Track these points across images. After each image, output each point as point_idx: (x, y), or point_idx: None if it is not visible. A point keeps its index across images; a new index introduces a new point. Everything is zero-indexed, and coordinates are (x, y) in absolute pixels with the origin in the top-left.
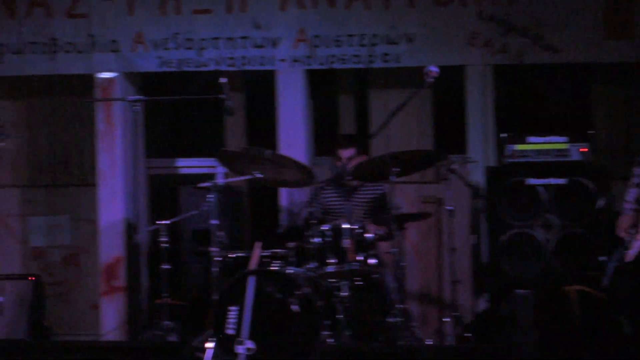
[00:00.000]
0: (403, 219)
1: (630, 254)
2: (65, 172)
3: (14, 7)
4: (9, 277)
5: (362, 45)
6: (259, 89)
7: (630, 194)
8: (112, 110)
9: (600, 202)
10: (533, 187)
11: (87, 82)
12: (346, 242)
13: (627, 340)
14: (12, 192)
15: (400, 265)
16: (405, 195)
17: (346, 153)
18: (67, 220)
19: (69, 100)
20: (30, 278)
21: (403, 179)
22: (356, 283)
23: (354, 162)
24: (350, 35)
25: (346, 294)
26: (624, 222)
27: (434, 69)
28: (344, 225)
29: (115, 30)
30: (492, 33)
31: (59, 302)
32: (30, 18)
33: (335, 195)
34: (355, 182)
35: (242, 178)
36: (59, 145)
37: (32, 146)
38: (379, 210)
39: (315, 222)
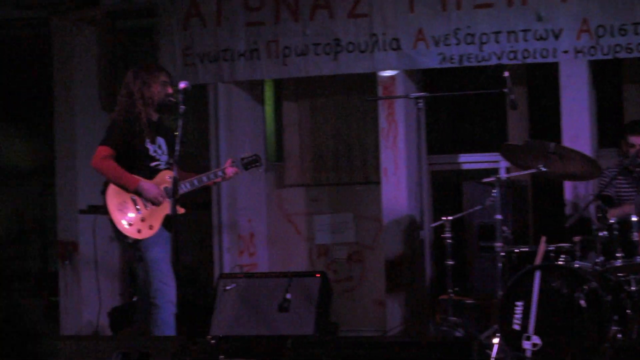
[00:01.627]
0: None
1: None
2: (349, 170)
3: (297, 10)
4: (296, 274)
5: None
6: (541, 81)
7: None
8: (394, 107)
9: None
10: None
11: (368, 80)
12: (636, 235)
13: None
14: (297, 191)
15: None
16: None
17: (638, 139)
18: (352, 218)
19: (351, 99)
20: (317, 275)
21: None
22: None
23: None
24: (636, 24)
25: (635, 288)
26: None
27: None
28: (633, 218)
29: (397, 28)
30: None
31: (344, 298)
32: (314, 20)
33: (626, 181)
34: None
35: (526, 172)
36: (342, 144)
37: (317, 145)
38: None
39: (601, 215)
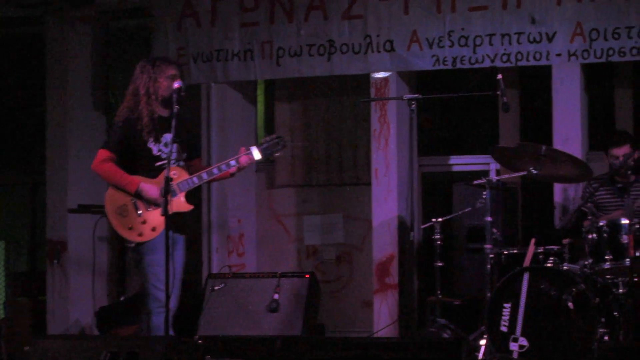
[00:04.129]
0: None
1: None
2: (339, 171)
3: (292, 11)
4: (285, 275)
5: None
6: (534, 84)
7: None
8: (386, 109)
9: None
10: None
11: (361, 82)
12: (625, 238)
13: None
14: (288, 192)
15: None
16: None
17: (620, 151)
18: (341, 218)
19: (343, 100)
20: (305, 276)
21: None
22: (634, 280)
23: (630, 159)
24: (629, 27)
25: (623, 291)
26: None
27: None
28: (623, 221)
29: (391, 30)
30: None
31: (332, 299)
32: (308, 21)
33: (609, 192)
34: (632, 178)
35: (517, 174)
36: (334, 145)
37: (308, 146)
38: None
39: (590, 218)
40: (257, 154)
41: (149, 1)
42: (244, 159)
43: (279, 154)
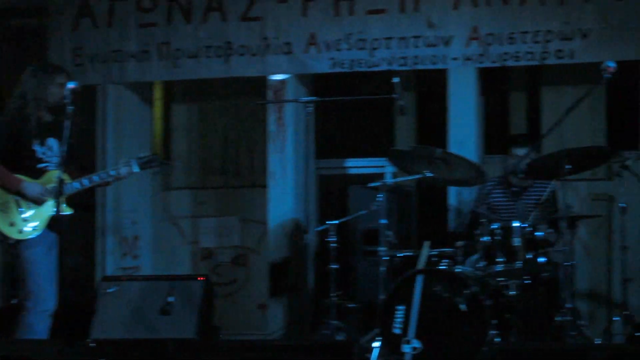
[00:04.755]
0: (573, 219)
1: None
2: (236, 174)
3: (190, 13)
4: (179, 278)
5: (536, 42)
6: (431, 87)
7: None
8: (283, 111)
9: None
10: None
11: (258, 84)
12: (517, 241)
13: None
14: (184, 194)
15: (570, 264)
16: (575, 193)
17: (520, 151)
18: (237, 221)
19: (241, 102)
20: (199, 278)
21: (574, 176)
22: (525, 282)
23: (526, 161)
24: (524, 32)
25: (515, 292)
26: None
27: (611, 65)
28: (515, 224)
29: (289, 33)
30: None
31: (227, 302)
32: (206, 23)
33: (504, 194)
34: (527, 182)
35: (412, 177)
36: (230, 147)
37: (205, 148)
38: (550, 208)
39: (484, 221)
40: (135, 167)
41: (45, 1)
42: (123, 171)
43: (157, 169)
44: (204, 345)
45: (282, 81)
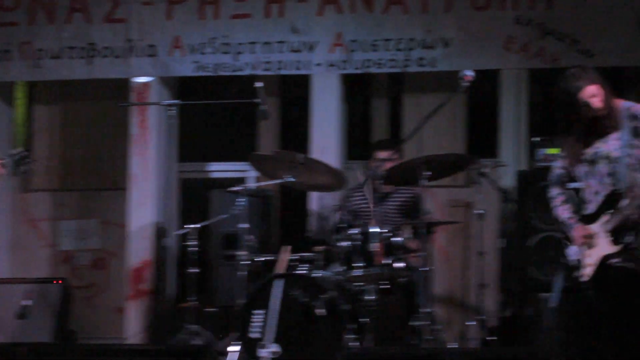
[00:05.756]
0: (432, 225)
1: (587, 273)
2: (97, 176)
3: (53, 12)
4: (36, 281)
5: (399, 50)
6: (295, 93)
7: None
8: (146, 114)
9: None
10: None
11: (122, 86)
12: (374, 246)
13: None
14: (43, 196)
15: (427, 269)
16: (434, 199)
17: (384, 155)
18: (97, 224)
19: (103, 104)
20: (57, 282)
21: (433, 182)
22: (382, 287)
23: (387, 165)
24: (387, 40)
25: (372, 297)
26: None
27: (469, 74)
28: (373, 229)
29: (153, 35)
30: (528, 37)
31: (85, 305)
32: (69, 23)
33: (365, 200)
34: (388, 188)
35: (274, 182)
36: (91, 150)
37: (65, 150)
38: (411, 215)
39: (344, 226)
40: (10, 164)
41: None
42: None
43: (27, 167)
44: (60, 349)
45: (145, 84)
